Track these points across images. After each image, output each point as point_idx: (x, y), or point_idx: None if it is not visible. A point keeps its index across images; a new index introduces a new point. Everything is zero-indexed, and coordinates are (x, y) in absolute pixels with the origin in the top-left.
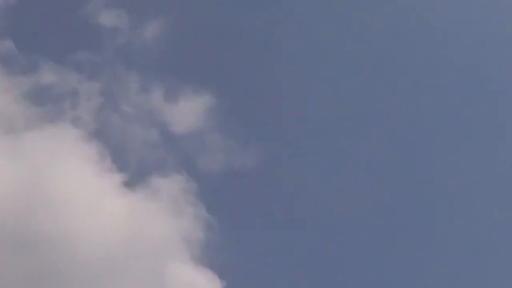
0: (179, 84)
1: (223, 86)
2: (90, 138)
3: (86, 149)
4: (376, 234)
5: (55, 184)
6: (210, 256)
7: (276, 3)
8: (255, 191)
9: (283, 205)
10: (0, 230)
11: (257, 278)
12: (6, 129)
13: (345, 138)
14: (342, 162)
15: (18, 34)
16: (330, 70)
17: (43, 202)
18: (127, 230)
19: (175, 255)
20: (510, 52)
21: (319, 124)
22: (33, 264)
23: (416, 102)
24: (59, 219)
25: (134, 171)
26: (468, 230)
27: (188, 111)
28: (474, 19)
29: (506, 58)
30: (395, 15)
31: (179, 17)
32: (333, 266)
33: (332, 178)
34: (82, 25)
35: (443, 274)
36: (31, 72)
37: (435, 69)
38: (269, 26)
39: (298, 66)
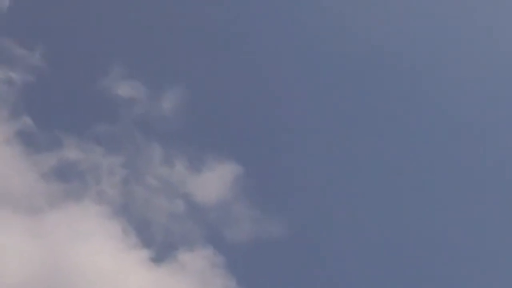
0: (202, 153)
1: (247, 154)
2: (114, 214)
3: (110, 225)
4: None
5: (79, 263)
6: None
7: (295, 70)
8: (285, 261)
9: (314, 275)
10: None
11: None
12: (28, 209)
13: (376, 206)
14: (372, 229)
15: (36, 110)
16: (361, 143)
17: (67, 282)
18: None
19: None
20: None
21: (347, 192)
22: None
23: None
24: None
25: (160, 246)
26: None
27: (212, 181)
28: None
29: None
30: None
31: (196, 86)
32: None
33: (363, 246)
34: (100, 98)
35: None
36: (51, 148)
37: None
38: (292, 93)
39: (323, 133)
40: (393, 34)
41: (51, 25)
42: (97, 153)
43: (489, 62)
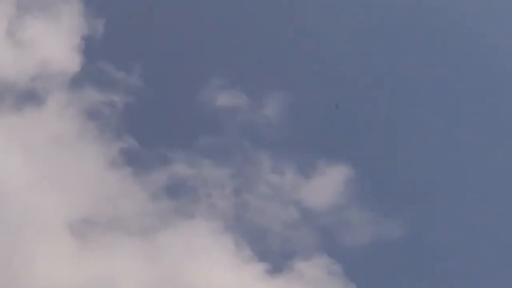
0: (311, 157)
1: (358, 155)
2: (226, 228)
3: (223, 240)
4: None
5: (194, 282)
6: None
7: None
8: (404, 264)
9: (436, 276)
10: None
11: None
12: (140, 230)
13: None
14: (493, 227)
15: (139, 130)
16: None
17: None
18: None
19: None
20: None
21: (464, 190)
22: None
23: None
24: None
25: (275, 257)
26: None
27: (324, 185)
28: None
29: None
30: None
31: (297, 90)
32: None
33: (484, 245)
34: (202, 111)
35: None
36: (158, 167)
37: None
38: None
39: (437, 130)
40: None
41: (145, 45)
42: (205, 167)
43: None
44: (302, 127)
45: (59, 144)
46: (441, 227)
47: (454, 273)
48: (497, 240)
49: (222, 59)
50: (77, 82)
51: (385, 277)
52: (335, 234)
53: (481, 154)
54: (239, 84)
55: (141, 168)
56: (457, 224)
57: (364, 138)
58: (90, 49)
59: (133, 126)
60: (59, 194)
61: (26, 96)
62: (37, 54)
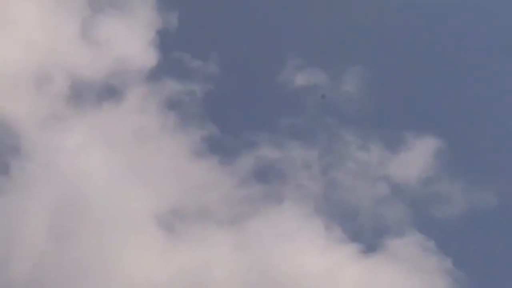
0: (396, 131)
1: (446, 125)
2: (316, 210)
3: (313, 223)
4: None
5: (286, 267)
6: None
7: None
8: (500, 233)
9: None
10: None
11: None
12: (228, 218)
13: None
14: None
15: (221, 117)
16: None
17: (274, 284)
18: None
19: None
20: None
21: None
22: None
23: None
24: None
25: (367, 236)
26: None
27: (413, 159)
28: None
29: None
30: None
31: (373, 64)
32: None
33: None
34: (282, 93)
35: None
36: (243, 152)
37: None
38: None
39: None
40: None
41: (220, 32)
42: (291, 148)
43: None
44: (384, 101)
45: (142, 137)
46: None
47: None
48: None
49: (297, 40)
50: (155, 75)
51: (481, 249)
52: (427, 208)
53: None
54: (315, 63)
55: (226, 155)
56: None
57: (451, 107)
58: (165, 41)
59: (214, 114)
60: (145, 187)
61: (106, 93)
62: (113, 51)
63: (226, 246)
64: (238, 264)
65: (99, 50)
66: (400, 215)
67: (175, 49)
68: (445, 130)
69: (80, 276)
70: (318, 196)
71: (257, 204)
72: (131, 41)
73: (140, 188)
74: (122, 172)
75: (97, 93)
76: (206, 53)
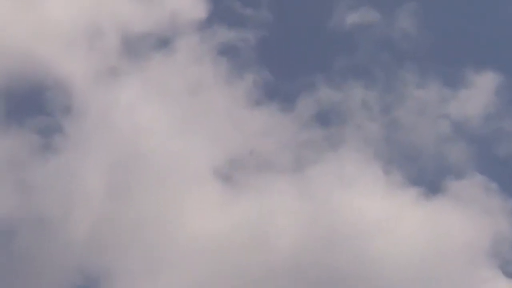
0: (456, 68)
1: (505, 60)
2: (376, 153)
3: (373, 168)
4: None
5: (347, 214)
6: None
7: None
8: None
9: None
10: (299, 269)
11: None
12: (288, 166)
13: None
14: None
15: (276, 63)
16: None
17: (339, 233)
18: (429, 244)
19: (485, 263)
20: None
21: None
22: None
23: None
24: (358, 250)
25: (428, 179)
26: None
27: (474, 96)
28: None
29: None
30: None
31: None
32: None
33: None
34: (335, 32)
35: None
36: (301, 96)
37: None
38: None
39: None
40: None
41: None
42: (349, 89)
43: None
44: (441, 37)
45: (197, 88)
46: None
47: None
48: None
49: None
50: (206, 24)
51: None
52: (490, 147)
53: None
54: (368, 2)
55: (283, 101)
56: None
57: (507, 41)
58: None
59: (269, 60)
60: (202, 138)
61: (158, 45)
62: (164, 2)
63: (286, 195)
64: (299, 212)
65: (150, 2)
66: (462, 155)
67: None
68: (506, 65)
69: (139, 233)
70: (378, 137)
71: (317, 149)
72: None
73: (197, 140)
74: (178, 124)
75: (149, 45)
76: (257, 0)
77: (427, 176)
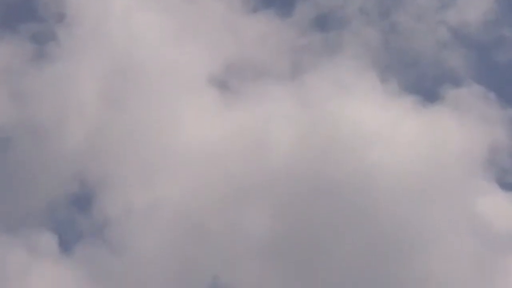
0: None
1: None
2: (374, 61)
3: (370, 75)
4: None
5: (344, 121)
6: None
7: None
8: None
9: None
10: (295, 176)
11: None
12: (285, 73)
13: None
14: None
15: None
16: None
17: (336, 141)
18: (426, 153)
19: (480, 170)
20: None
21: None
22: (332, 207)
23: None
24: (355, 159)
25: (426, 86)
26: None
27: (473, 1)
28: None
29: None
30: None
31: None
32: None
33: None
34: None
35: None
36: (298, 1)
37: None
38: None
39: None
40: None
41: None
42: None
43: None
44: None
45: None
46: None
47: None
48: None
49: None
50: None
51: None
52: (489, 54)
53: None
54: None
55: (280, 6)
56: None
57: None
58: None
59: None
60: (198, 45)
61: None
62: None
63: (282, 102)
64: (296, 120)
65: None
66: (461, 63)
67: None
68: None
69: (135, 141)
70: (376, 43)
71: (314, 55)
72: None
73: (193, 47)
74: (173, 32)
75: None
76: None
77: (424, 84)
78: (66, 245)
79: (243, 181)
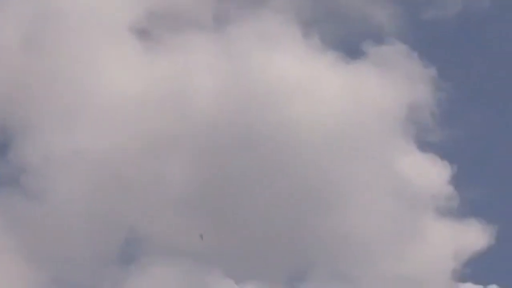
0: None
1: None
2: (297, 13)
3: (293, 30)
4: None
5: (266, 74)
6: (438, 133)
7: None
8: (493, 46)
9: None
10: (216, 128)
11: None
12: (209, 24)
13: None
14: None
15: None
16: None
17: (258, 94)
18: (347, 109)
19: (400, 128)
20: None
21: None
22: (252, 159)
23: None
24: (276, 112)
25: (347, 43)
26: None
27: None
28: None
29: None
30: None
31: None
32: None
33: None
34: None
35: None
36: None
37: None
38: None
39: None
40: None
41: None
42: None
43: None
44: None
45: None
46: None
47: None
48: None
49: None
50: None
51: (467, 60)
52: (414, 11)
53: None
54: None
55: None
56: None
57: None
58: None
59: None
60: None
61: None
62: None
63: (205, 53)
64: (218, 71)
65: None
66: (384, 20)
67: None
68: None
69: (56, 89)
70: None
71: (239, 7)
72: None
73: None
74: None
75: None
76: None
77: (347, 40)
78: None
79: (163, 132)
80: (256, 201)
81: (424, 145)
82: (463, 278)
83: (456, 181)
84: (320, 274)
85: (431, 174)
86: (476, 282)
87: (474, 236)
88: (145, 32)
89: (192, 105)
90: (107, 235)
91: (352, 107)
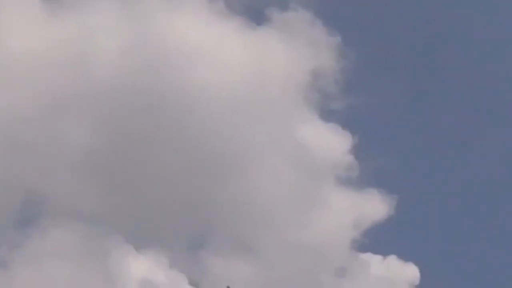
0: None
1: None
2: None
3: None
4: None
5: (170, 40)
6: (341, 101)
7: None
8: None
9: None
10: (122, 90)
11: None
12: None
13: None
14: None
15: None
16: None
17: (162, 57)
18: (251, 75)
19: (303, 95)
20: None
21: None
22: (154, 123)
23: None
24: (176, 71)
25: (253, 8)
26: None
27: None
28: None
29: None
30: None
31: None
32: None
33: None
34: None
35: None
36: None
37: None
38: None
39: None
40: None
41: None
42: None
43: None
44: None
45: None
46: None
47: None
48: None
49: None
50: None
51: (370, 28)
52: None
53: None
54: None
55: None
56: None
57: None
58: None
59: None
60: None
61: None
62: None
63: (110, 14)
64: (121, 33)
65: None
66: None
67: None
68: None
69: None
70: None
71: None
72: None
73: None
74: None
75: None
76: None
77: (252, 6)
78: None
79: (64, 93)
80: (156, 164)
81: (326, 114)
82: (362, 248)
83: (357, 150)
84: (220, 242)
85: (332, 143)
86: (375, 252)
87: (374, 206)
88: None
89: (94, 67)
90: (4, 198)
91: (256, 73)
